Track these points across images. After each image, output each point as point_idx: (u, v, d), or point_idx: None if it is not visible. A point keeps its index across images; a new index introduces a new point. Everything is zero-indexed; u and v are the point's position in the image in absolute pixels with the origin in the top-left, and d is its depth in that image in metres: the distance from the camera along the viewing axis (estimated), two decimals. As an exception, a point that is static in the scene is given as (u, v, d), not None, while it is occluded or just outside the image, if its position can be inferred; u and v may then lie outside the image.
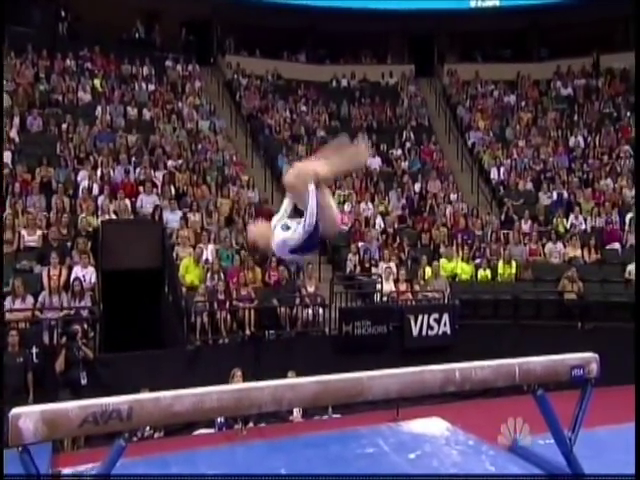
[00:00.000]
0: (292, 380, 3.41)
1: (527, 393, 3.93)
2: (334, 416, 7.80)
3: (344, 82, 16.45)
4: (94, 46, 14.57)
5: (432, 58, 17.73)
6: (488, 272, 10.47)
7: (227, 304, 8.91)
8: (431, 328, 9.22)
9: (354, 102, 15.44)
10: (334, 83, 16.43)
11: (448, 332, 9.28)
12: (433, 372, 3.62)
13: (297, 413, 7.50)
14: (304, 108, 14.86)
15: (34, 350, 7.26)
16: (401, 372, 3.58)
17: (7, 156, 10.47)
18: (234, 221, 10.59)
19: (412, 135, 14.37)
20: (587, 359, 3.95)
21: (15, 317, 7.65)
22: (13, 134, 11.30)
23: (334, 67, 16.85)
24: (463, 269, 10.48)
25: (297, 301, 9.34)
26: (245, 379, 6.87)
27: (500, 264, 10.52)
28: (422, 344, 9.01)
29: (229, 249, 9.79)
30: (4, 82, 11.84)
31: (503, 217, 12.02)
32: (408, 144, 14.09)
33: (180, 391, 3.09)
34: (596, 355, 3.99)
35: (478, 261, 10.69)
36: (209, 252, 9.61)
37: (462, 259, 10.55)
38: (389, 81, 16.78)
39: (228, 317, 8.77)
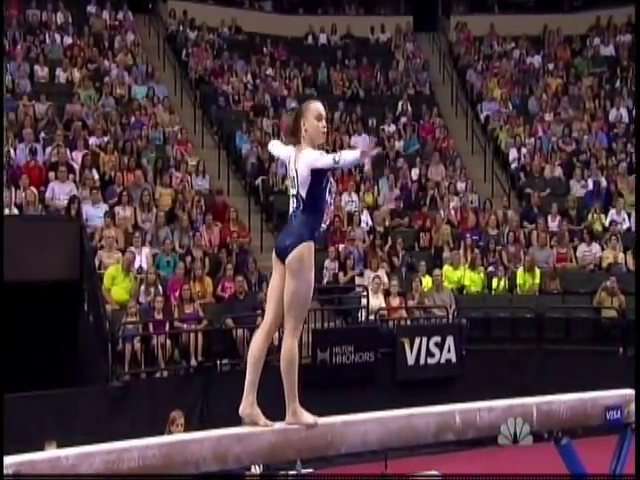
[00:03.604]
0: (240, 429, 3.35)
1: (547, 440, 3.93)
2: (304, 471, 7.76)
3: (322, 38, 16.45)
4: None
5: (435, 8, 17.82)
6: (504, 283, 10.56)
7: (166, 326, 8.87)
8: (431, 355, 9.28)
9: (335, 64, 15.45)
10: (309, 39, 16.42)
11: (453, 360, 9.35)
12: (425, 416, 3.60)
13: (255, 468, 7.44)
14: (270, 71, 14.82)
15: None
16: (384, 416, 3.56)
17: None
18: (177, 217, 10.51)
19: (409, 107, 14.42)
20: (626, 397, 3.96)
21: None
22: None
23: (309, 18, 16.84)
24: (472, 279, 10.55)
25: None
26: (189, 426, 6.79)
27: (520, 272, 10.61)
28: (420, 375, 9.08)
29: (170, 254, 9.73)
30: None
31: (524, 212, 12.13)
32: (404, 118, 14.12)
33: (88, 447, 2.99)
34: (639, 392, 4.00)
35: (492, 269, 10.78)
36: (143, 258, 9.56)
37: (471, 266, 10.61)
38: (380, 37, 16.84)
39: (168, 343, 8.73)
